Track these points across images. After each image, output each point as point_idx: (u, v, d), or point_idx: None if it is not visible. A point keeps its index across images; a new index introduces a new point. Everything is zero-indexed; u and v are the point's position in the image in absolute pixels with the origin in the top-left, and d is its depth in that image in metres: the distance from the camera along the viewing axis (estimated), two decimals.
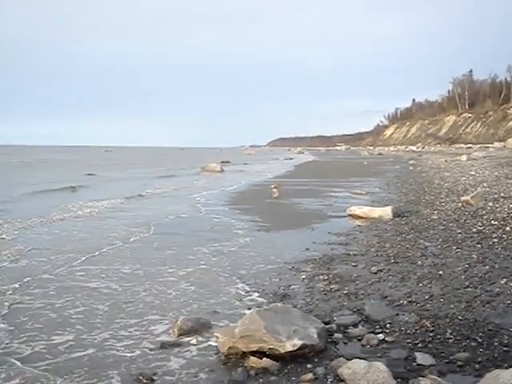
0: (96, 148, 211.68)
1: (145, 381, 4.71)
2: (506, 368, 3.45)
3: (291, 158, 77.43)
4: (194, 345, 5.57)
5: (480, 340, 5.27)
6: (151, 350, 5.48)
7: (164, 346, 5.55)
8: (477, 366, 4.72)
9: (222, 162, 54.56)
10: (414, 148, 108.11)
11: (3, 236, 11.91)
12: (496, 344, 5.16)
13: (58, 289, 7.68)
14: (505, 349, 5.03)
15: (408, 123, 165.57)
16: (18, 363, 5.12)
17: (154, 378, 4.78)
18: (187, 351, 5.42)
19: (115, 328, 6.09)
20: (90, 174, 35.93)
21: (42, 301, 7.11)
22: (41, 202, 19.23)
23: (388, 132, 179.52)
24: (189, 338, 5.72)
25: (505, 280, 7.28)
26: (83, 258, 9.65)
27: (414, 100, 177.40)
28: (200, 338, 5.72)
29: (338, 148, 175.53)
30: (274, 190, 20.17)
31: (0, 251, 10.15)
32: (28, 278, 8.18)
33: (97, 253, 10.15)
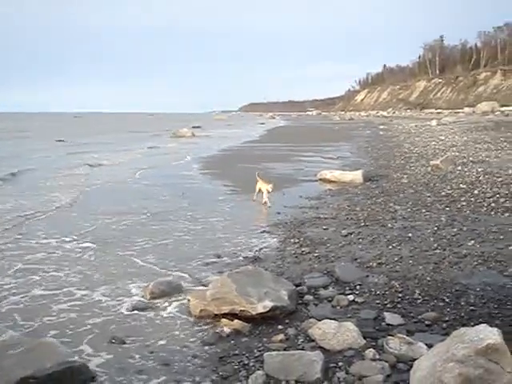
0: (64, 114, 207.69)
1: (117, 344, 4.70)
2: (472, 326, 3.52)
3: (263, 123, 77.15)
4: (166, 307, 5.58)
5: (447, 300, 5.39)
6: (123, 313, 5.47)
7: (136, 309, 5.54)
8: (444, 324, 4.82)
9: (193, 127, 54.16)
10: (384, 113, 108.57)
11: None
12: (463, 303, 5.28)
13: None
14: (471, 308, 5.16)
15: (379, 88, 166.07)
16: None
17: (127, 340, 4.77)
18: (159, 314, 5.42)
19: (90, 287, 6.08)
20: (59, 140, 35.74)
21: None
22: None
23: (359, 97, 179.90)
24: (161, 301, 5.73)
25: (472, 242, 7.42)
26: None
27: (385, 65, 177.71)
28: (172, 302, 5.72)
29: (310, 113, 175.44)
30: (268, 187, 11.28)
31: None
32: None
33: None
